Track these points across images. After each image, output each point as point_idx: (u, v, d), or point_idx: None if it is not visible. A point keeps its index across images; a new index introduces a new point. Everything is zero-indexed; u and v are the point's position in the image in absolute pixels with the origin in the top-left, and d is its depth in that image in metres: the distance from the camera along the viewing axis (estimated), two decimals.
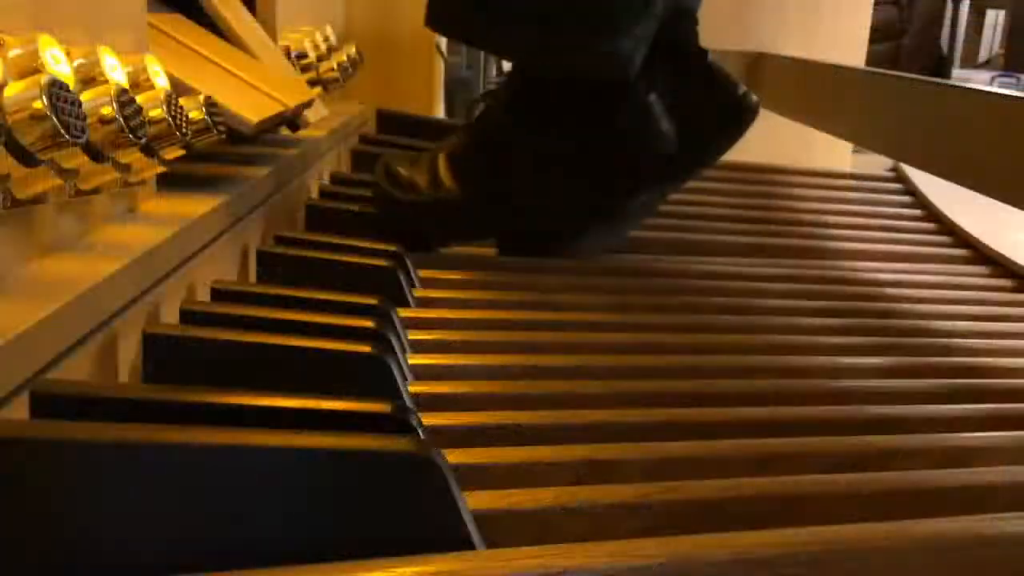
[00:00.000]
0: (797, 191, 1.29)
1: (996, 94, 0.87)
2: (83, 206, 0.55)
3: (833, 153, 1.61)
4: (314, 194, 0.98)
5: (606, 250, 0.95)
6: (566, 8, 0.80)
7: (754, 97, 0.88)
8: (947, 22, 3.61)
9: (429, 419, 0.52)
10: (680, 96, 0.85)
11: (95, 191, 0.54)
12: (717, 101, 0.87)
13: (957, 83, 0.99)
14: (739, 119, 0.87)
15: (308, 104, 0.91)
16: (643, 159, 0.84)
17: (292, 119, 0.90)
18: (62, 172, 0.46)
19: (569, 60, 0.81)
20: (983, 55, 4.00)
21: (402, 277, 0.72)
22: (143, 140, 0.50)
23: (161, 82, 0.56)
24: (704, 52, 0.88)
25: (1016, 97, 0.84)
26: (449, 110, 1.74)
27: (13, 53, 0.44)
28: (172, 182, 0.68)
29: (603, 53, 0.80)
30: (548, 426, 0.54)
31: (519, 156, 0.84)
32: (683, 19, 0.86)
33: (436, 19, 0.83)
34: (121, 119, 0.48)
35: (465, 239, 0.90)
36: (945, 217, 1.23)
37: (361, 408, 0.41)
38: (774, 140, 1.33)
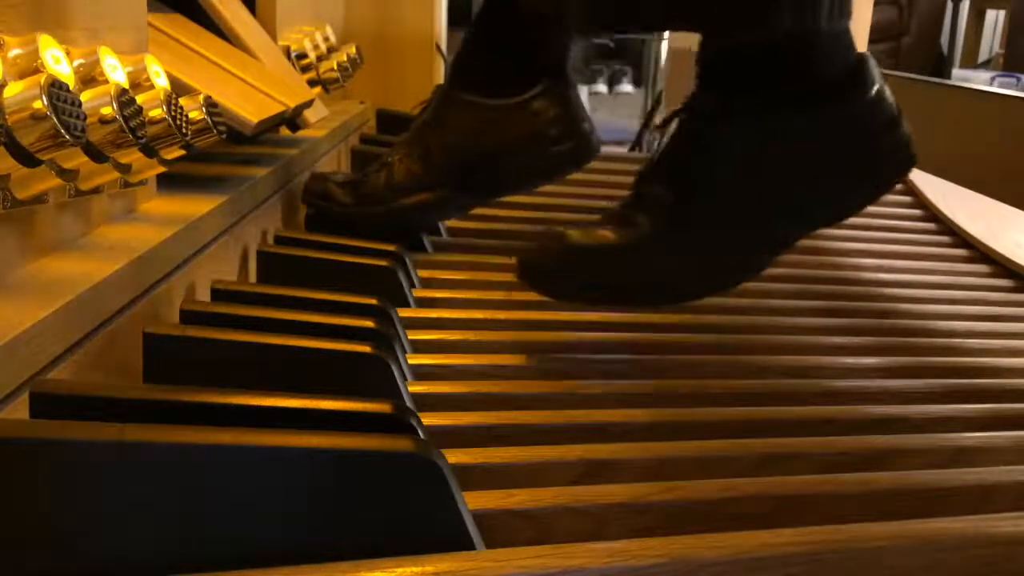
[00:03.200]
0: None
1: (996, 94, 0.87)
2: (83, 206, 0.55)
3: None
4: None
5: None
6: None
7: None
8: (947, 22, 3.61)
9: (429, 419, 0.52)
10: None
11: (95, 191, 0.54)
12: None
13: (957, 83, 0.99)
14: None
15: (308, 104, 0.91)
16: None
17: (292, 119, 0.90)
18: (62, 172, 0.46)
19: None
20: (983, 55, 3.99)
21: (402, 277, 0.72)
22: (143, 140, 0.50)
23: (161, 82, 0.56)
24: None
25: (1016, 97, 0.84)
26: None
27: (13, 53, 0.44)
28: (172, 182, 0.68)
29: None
30: (548, 426, 0.54)
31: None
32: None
33: (598, 12, 0.63)
34: (121, 119, 0.48)
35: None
36: (945, 217, 1.23)
37: (361, 408, 0.41)
38: None
